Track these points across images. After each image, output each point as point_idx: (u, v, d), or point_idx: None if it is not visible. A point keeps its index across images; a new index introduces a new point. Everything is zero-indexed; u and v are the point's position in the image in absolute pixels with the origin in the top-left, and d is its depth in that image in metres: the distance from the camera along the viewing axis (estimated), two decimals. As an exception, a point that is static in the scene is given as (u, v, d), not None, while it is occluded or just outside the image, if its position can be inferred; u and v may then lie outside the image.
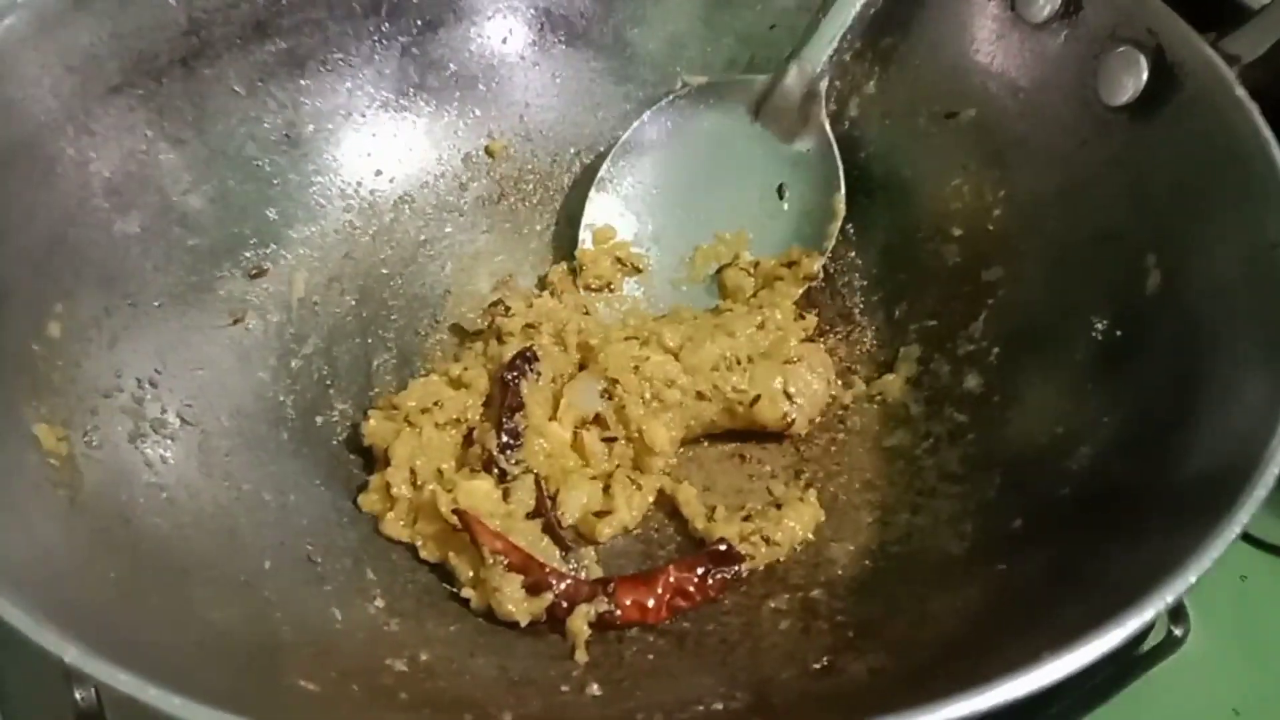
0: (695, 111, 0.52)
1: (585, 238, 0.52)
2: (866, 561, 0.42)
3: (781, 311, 0.49)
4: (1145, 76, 0.41)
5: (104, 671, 0.27)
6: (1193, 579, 0.28)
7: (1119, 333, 0.41)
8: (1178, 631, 0.43)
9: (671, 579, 0.41)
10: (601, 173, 0.52)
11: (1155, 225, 0.40)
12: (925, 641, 0.37)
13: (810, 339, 0.50)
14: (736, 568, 0.42)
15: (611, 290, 0.51)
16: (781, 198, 0.51)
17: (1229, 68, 0.39)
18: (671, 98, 0.52)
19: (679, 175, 0.52)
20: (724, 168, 0.52)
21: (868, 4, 0.47)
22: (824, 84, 0.49)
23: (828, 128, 0.50)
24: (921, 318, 0.49)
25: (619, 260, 0.52)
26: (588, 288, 0.51)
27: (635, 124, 0.52)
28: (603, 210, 0.52)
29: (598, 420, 0.46)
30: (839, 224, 0.50)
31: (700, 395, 0.46)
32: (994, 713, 0.27)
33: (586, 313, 0.50)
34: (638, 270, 0.52)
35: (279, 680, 0.33)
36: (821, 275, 0.51)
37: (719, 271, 0.51)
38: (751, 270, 0.51)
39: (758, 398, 0.46)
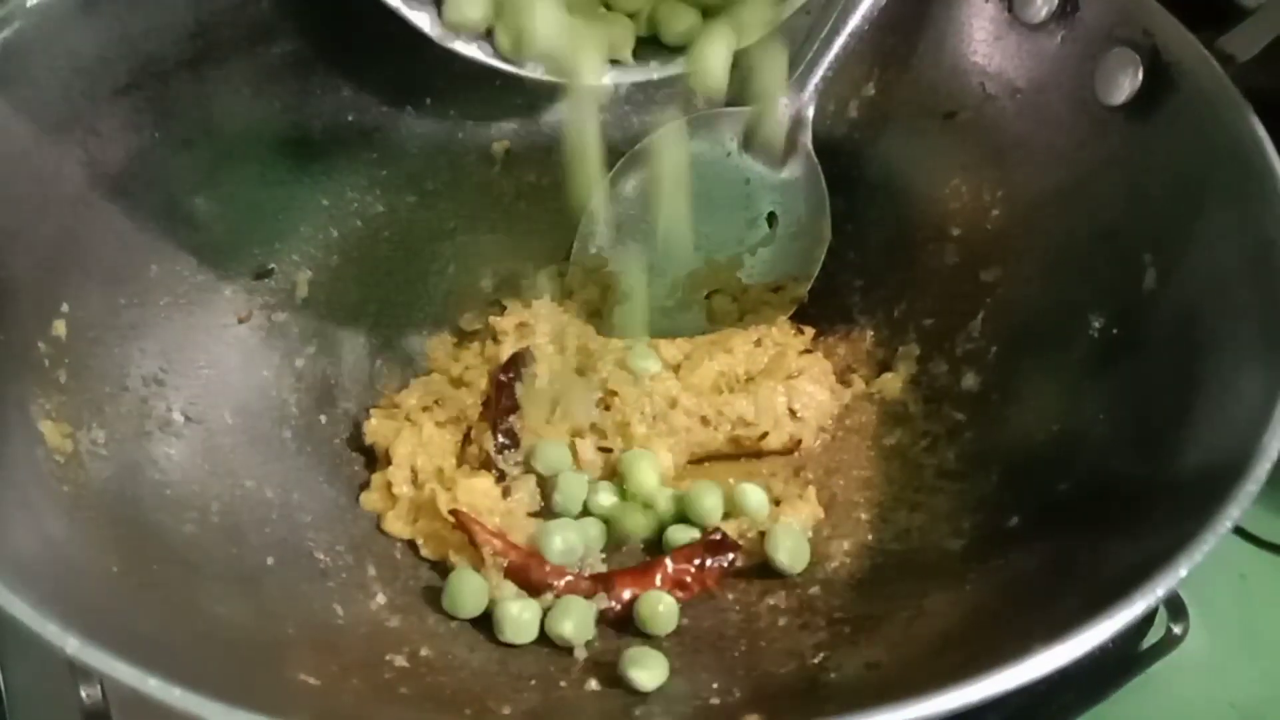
0: (683, 144, 0.50)
1: (574, 272, 0.52)
2: (864, 558, 0.42)
3: (778, 327, 0.49)
4: (1141, 76, 0.41)
5: (104, 663, 0.27)
6: (1183, 572, 0.28)
7: (1115, 330, 0.41)
8: (1177, 629, 0.43)
9: (669, 570, 0.41)
10: (592, 204, 0.51)
11: (1152, 223, 0.41)
12: (922, 636, 0.37)
13: (809, 350, 0.50)
14: (732, 555, 0.42)
15: (600, 316, 0.51)
16: (772, 226, 0.51)
17: (1224, 67, 0.39)
18: (661, 130, 0.51)
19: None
20: (713, 198, 0.51)
21: (853, 35, 0.47)
22: (811, 111, 0.49)
23: (813, 154, 0.49)
24: (920, 317, 0.49)
25: (608, 288, 0.51)
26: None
27: (625, 157, 0.51)
28: (593, 245, 0.52)
29: (593, 428, 0.47)
30: (825, 248, 0.50)
31: (704, 421, 0.47)
32: (994, 708, 0.28)
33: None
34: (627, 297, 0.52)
35: (281, 674, 0.34)
36: (806, 298, 0.51)
37: (708, 297, 0.51)
38: (739, 295, 0.51)
39: (765, 434, 0.47)
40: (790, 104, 0.49)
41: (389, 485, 0.44)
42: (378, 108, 0.51)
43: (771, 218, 0.51)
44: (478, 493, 0.43)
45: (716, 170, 0.51)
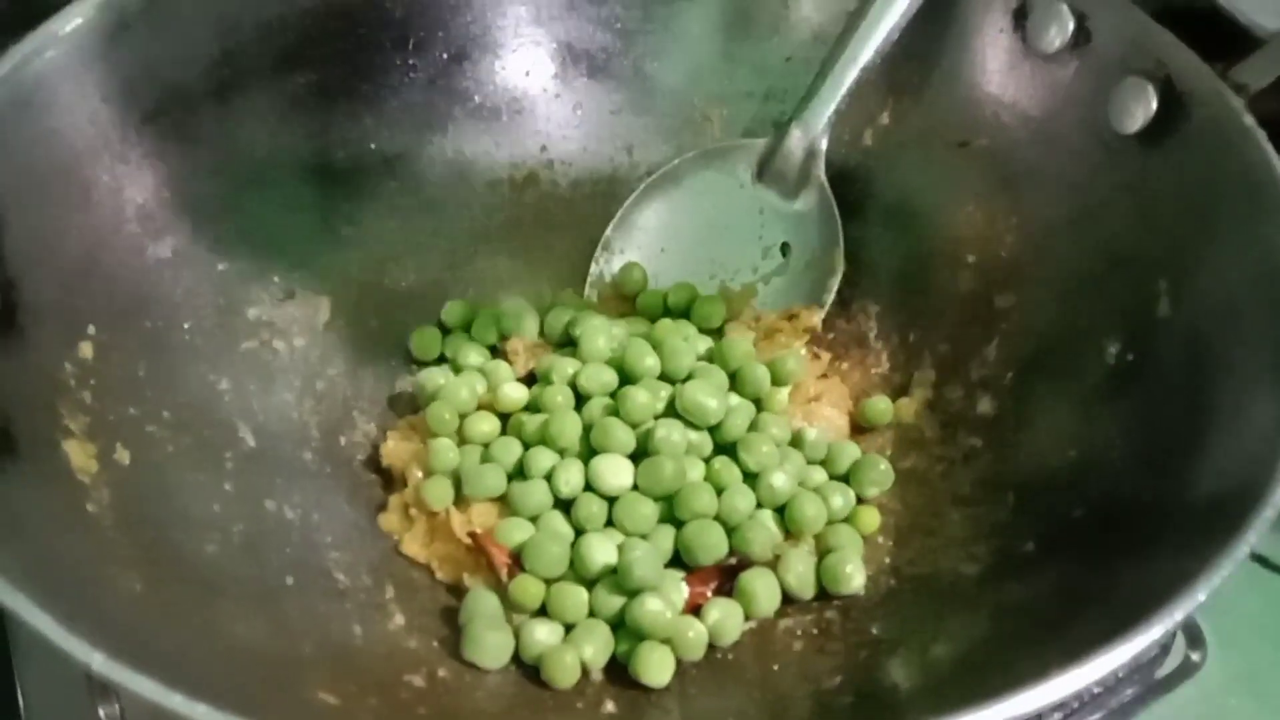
0: (699, 175, 0.53)
1: (590, 295, 0.53)
2: (880, 583, 0.43)
3: (793, 358, 0.49)
4: (1155, 106, 0.42)
5: (129, 679, 0.27)
6: (1201, 597, 0.28)
7: (1130, 356, 0.41)
8: (1195, 656, 0.43)
9: (686, 592, 0.42)
10: (608, 233, 0.53)
11: (1165, 250, 0.41)
12: (938, 661, 0.37)
13: (825, 375, 0.50)
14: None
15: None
16: (785, 256, 0.52)
17: (1237, 96, 0.40)
18: (676, 162, 0.53)
19: (684, 236, 0.53)
20: (728, 228, 0.53)
21: (866, 69, 0.47)
22: (824, 143, 0.50)
23: (827, 186, 0.50)
24: (935, 343, 0.49)
25: (622, 315, 0.52)
26: None
27: (639, 188, 0.53)
28: (609, 272, 0.54)
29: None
30: (839, 278, 0.51)
31: None
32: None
33: None
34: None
35: (300, 693, 0.34)
36: (820, 326, 0.51)
37: (721, 326, 0.52)
38: (753, 324, 0.51)
39: None
40: (804, 136, 0.49)
41: (406, 507, 0.45)
42: (399, 136, 0.52)
43: (785, 248, 0.52)
44: (493, 515, 0.44)
45: (730, 201, 0.52)
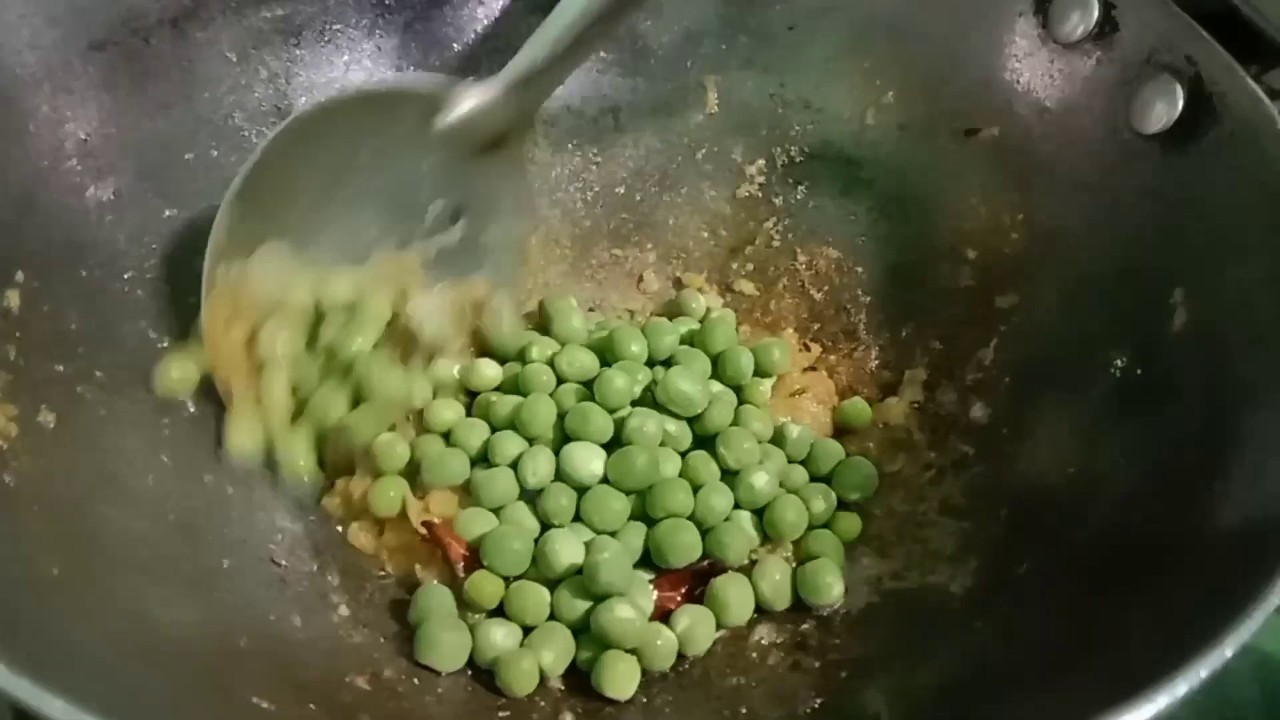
0: (365, 119, 0.42)
1: (210, 265, 0.40)
2: (860, 595, 0.40)
3: (779, 348, 0.46)
4: (1181, 105, 0.39)
5: (31, 694, 0.24)
6: (1229, 653, 0.26)
7: (1139, 371, 0.39)
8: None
9: (654, 597, 0.39)
10: (238, 184, 0.40)
11: (1185, 261, 0.39)
12: (922, 686, 0.35)
13: (812, 368, 0.48)
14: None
15: None
16: (454, 222, 0.45)
17: (1272, 102, 0.37)
18: (340, 96, 0.43)
19: (340, 192, 0.43)
20: (393, 186, 0.43)
21: (578, 41, 0.39)
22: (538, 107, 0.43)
23: (525, 160, 0.46)
24: (929, 340, 0.46)
25: None
26: None
27: (287, 122, 0.40)
28: (235, 232, 0.40)
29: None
30: (521, 257, 0.46)
31: None
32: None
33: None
34: None
35: (232, 696, 0.31)
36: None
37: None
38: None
39: None
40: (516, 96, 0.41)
41: (352, 491, 0.42)
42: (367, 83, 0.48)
43: (457, 215, 0.45)
44: (453, 504, 0.41)
45: (400, 154, 0.43)
